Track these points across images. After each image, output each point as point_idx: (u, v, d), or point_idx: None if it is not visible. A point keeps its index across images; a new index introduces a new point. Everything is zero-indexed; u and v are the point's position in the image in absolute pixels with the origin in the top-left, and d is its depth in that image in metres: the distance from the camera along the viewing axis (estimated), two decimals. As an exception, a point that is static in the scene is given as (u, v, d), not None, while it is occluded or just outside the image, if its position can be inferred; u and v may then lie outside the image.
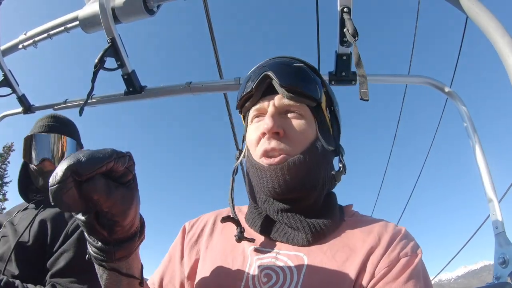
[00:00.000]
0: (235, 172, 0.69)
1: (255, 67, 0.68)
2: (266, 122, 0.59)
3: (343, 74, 1.18)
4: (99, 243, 0.45)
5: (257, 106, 0.64)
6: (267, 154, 0.60)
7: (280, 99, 0.61)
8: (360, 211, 0.70)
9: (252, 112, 0.66)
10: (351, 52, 1.16)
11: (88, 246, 0.47)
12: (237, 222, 0.62)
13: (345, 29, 1.03)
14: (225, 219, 0.63)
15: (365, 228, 0.60)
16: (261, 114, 0.64)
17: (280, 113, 0.62)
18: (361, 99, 0.76)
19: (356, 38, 0.97)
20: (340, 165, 0.64)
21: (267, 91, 0.63)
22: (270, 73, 0.61)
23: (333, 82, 1.20)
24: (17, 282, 0.92)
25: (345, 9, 1.07)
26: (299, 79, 0.62)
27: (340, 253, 0.56)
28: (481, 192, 1.26)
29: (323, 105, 0.65)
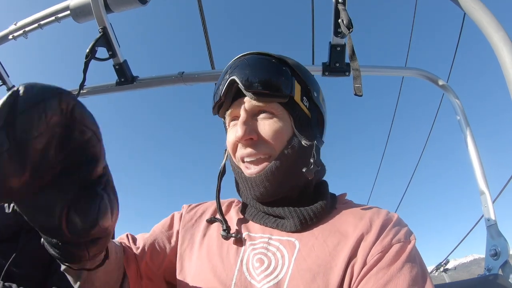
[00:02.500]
0: (221, 173, 0.70)
1: (225, 67, 0.68)
2: (238, 131, 0.60)
3: (337, 65, 1.18)
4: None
5: (229, 111, 0.66)
6: (244, 159, 0.63)
7: (249, 102, 0.62)
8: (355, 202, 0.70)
9: (227, 117, 0.68)
10: (345, 43, 1.15)
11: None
12: (222, 222, 0.65)
13: (339, 20, 1.02)
14: (210, 221, 0.68)
15: (357, 214, 0.60)
16: (235, 118, 0.65)
17: (253, 115, 0.63)
18: (355, 94, 0.76)
19: (351, 30, 0.96)
20: (311, 161, 0.61)
21: (237, 94, 0.64)
22: (235, 78, 0.61)
23: (326, 73, 1.20)
24: (14, 286, 0.90)
25: (340, 0, 1.07)
26: (264, 80, 0.61)
27: (331, 238, 0.56)
28: (474, 186, 1.26)
29: (297, 97, 0.64)
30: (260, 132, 0.61)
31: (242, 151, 0.63)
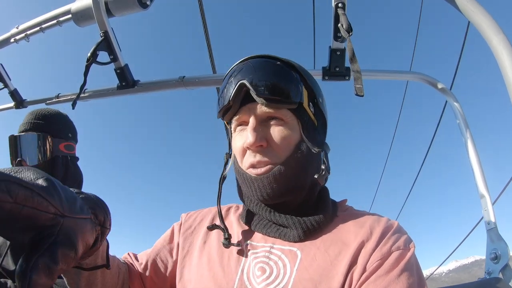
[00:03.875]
0: (222, 179, 0.69)
1: (231, 69, 0.66)
2: (248, 137, 0.59)
3: (337, 69, 1.18)
4: None
5: (238, 116, 0.63)
6: (253, 166, 0.61)
7: (259, 108, 0.60)
8: (357, 207, 0.69)
9: (234, 122, 0.65)
10: (345, 47, 1.16)
11: None
12: (223, 230, 0.64)
13: (339, 24, 1.03)
14: (212, 228, 0.66)
15: (358, 222, 0.60)
16: (243, 123, 0.64)
17: (262, 121, 0.61)
18: (356, 94, 0.76)
19: (350, 34, 0.96)
20: (323, 167, 0.62)
21: (245, 99, 0.61)
22: (245, 82, 0.59)
23: (326, 78, 1.20)
24: (9, 282, 0.90)
25: (340, 4, 1.07)
26: (276, 85, 0.60)
27: (333, 247, 0.56)
28: (475, 189, 1.26)
29: (305, 103, 0.63)
30: (270, 139, 0.60)
31: (251, 158, 0.61)
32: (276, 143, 0.60)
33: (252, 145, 0.59)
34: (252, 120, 0.60)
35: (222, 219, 0.66)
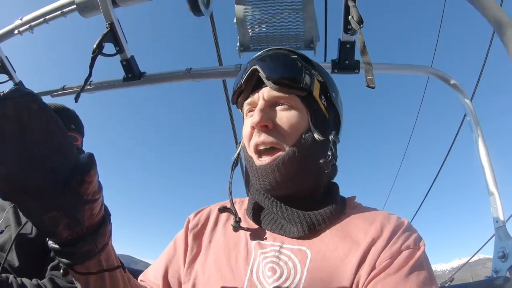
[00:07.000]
0: (234, 165, 0.70)
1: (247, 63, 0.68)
2: (254, 117, 0.60)
3: (346, 62, 1.17)
4: (77, 241, 0.41)
5: (249, 100, 0.65)
6: (257, 148, 0.62)
7: (269, 91, 0.62)
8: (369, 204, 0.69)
9: (245, 106, 0.67)
10: (354, 40, 1.14)
11: (61, 258, 0.42)
12: (234, 213, 0.64)
13: (349, 17, 1.01)
14: (222, 210, 0.66)
15: (367, 218, 0.60)
16: (253, 107, 0.65)
17: (271, 106, 0.62)
18: (368, 86, 0.77)
19: (361, 26, 0.95)
20: (329, 153, 0.62)
21: (257, 85, 0.64)
22: (257, 67, 0.62)
23: (336, 71, 1.19)
24: (11, 277, 0.91)
25: (350, -3, 1.05)
26: (285, 70, 0.62)
27: (342, 245, 0.56)
28: (484, 188, 1.25)
29: (316, 93, 0.64)
30: (277, 121, 0.61)
31: (256, 138, 0.62)
32: (281, 127, 0.61)
33: (257, 124, 0.60)
34: (260, 102, 0.62)
35: (232, 203, 0.66)
